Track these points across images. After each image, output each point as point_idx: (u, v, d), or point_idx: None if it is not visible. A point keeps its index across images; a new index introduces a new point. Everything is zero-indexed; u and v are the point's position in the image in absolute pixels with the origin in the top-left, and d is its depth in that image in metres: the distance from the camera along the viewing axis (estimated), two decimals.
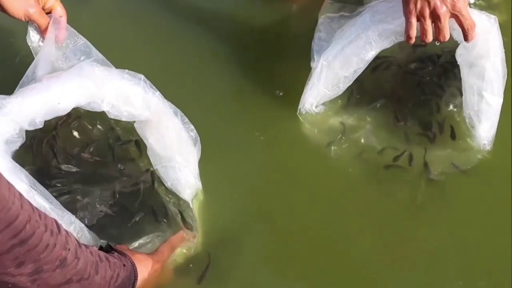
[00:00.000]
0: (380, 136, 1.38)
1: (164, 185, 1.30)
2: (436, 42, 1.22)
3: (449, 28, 1.20)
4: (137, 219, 1.28)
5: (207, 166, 1.32)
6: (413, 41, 1.21)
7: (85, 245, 1.05)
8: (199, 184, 1.31)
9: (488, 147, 1.32)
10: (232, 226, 1.30)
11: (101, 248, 1.16)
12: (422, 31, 1.20)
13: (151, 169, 1.30)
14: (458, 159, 1.33)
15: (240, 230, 1.30)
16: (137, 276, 1.13)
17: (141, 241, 1.26)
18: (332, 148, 1.38)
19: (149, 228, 1.28)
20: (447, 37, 1.20)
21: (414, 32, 1.20)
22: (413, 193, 1.31)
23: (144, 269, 1.16)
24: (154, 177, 1.31)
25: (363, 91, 1.43)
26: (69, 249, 0.99)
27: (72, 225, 1.13)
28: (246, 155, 1.38)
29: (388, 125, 1.40)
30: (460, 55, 1.28)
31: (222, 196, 1.33)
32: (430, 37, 1.20)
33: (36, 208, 0.97)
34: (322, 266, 1.25)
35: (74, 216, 1.15)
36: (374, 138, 1.38)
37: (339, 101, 1.41)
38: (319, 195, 1.33)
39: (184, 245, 1.27)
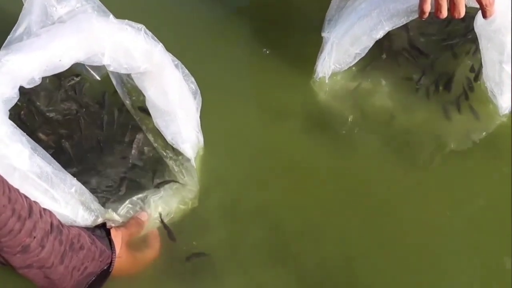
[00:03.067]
0: (396, 99, 1.36)
1: (161, 140, 1.25)
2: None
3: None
4: (133, 175, 1.24)
5: (208, 121, 1.27)
6: (426, 16, 1.16)
7: (60, 230, 1.01)
8: (200, 138, 1.26)
9: (508, 112, 1.33)
10: (232, 181, 1.27)
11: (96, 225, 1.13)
12: (437, 6, 1.14)
13: (143, 127, 1.25)
14: (477, 123, 1.33)
15: (240, 186, 1.27)
16: (111, 270, 1.10)
17: (134, 198, 1.21)
18: (346, 112, 1.35)
19: (147, 184, 1.23)
20: (462, 13, 1.15)
21: (428, 7, 1.14)
22: (427, 156, 1.31)
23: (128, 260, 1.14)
24: (151, 132, 1.26)
25: (378, 56, 1.40)
26: (34, 237, 0.96)
27: (74, 188, 1.08)
28: (250, 111, 1.34)
29: (404, 88, 1.38)
30: (478, 27, 1.24)
31: (223, 151, 1.29)
32: (444, 13, 1.14)
33: (9, 190, 0.94)
34: (326, 226, 1.23)
35: (75, 179, 1.09)
36: (390, 102, 1.36)
37: (353, 68, 1.37)
38: (327, 156, 1.31)
39: (182, 201, 1.24)
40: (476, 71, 1.37)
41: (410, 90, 1.38)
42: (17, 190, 0.98)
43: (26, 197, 0.99)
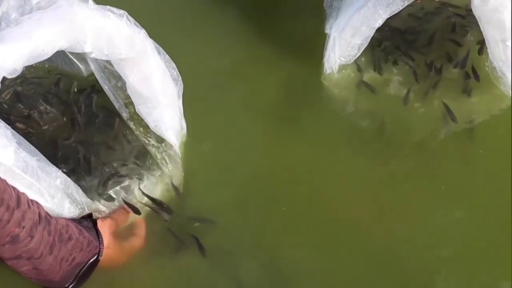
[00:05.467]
0: (407, 88, 1.35)
1: (142, 127, 1.23)
2: None
3: None
4: (115, 164, 1.22)
5: (191, 107, 1.25)
6: None
7: (48, 221, 1.00)
8: (183, 125, 1.25)
9: None
10: (216, 167, 1.27)
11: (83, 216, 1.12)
12: None
13: (124, 114, 1.22)
14: (487, 105, 1.32)
15: (224, 171, 1.27)
16: (99, 260, 1.10)
17: (117, 188, 1.20)
18: (356, 103, 1.35)
19: (129, 173, 1.21)
20: None
21: None
22: (437, 141, 1.30)
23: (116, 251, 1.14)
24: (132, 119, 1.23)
25: (386, 44, 1.40)
26: (23, 227, 0.95)
27: (58, 179, 1.05)
28: (234, 98, 1.33)
29: (414, 76, 1.37)
30: (476, 9, 1.24)
31: (206, 137, 1.29)
32: None
33: None
34: (312, 215, 1.23)
35: (60, 171, 1.06)
36: (402, 91, 1.35)
37: (363, 58, 1.37)
38: (322, 147, 1.30)
39: (166, 188, 1.23)
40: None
41: (422, 79, 1.37)
42: (5, 181, 0.96)
43: (13, 187, 0.97)
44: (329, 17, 1.31)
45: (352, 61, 1.33)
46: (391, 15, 1.24)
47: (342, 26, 1.28)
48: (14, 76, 0.98)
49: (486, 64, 1.34)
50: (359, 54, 1.31)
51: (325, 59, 1.33)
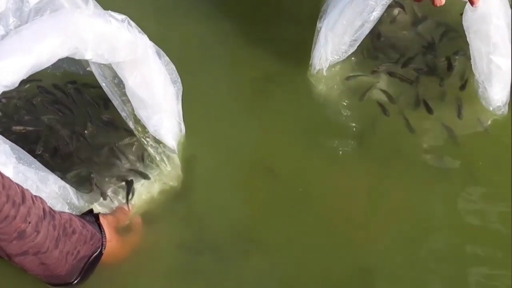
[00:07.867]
0: (395, 91, 1.33)
1: (141, 127, 1.21)
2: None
3: None
4: (112, 165, 1.22)
5: (190, 108, 1.24)
6: None
7: (53, 216, 1.01)
8: (182, 127, 1.25)
9: (503, 110, 1.28)
10: (214, 166, 1.27)
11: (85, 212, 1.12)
12: None
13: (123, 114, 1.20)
14: (471, 120, 1.30)
15: (222, 171, 1.27)
16: (103, 252, 1.10)
17: (116, 187, 1.20)
18: (344, 103, 1.33)
19: (125, 172, 1.22)
20: (443, 1, 1.11)
21: None
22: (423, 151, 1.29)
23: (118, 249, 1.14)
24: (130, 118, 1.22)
25: (378, 47, 1.37)
26: (29, 222, 0.96)
27: (56, 185, 1.06)
28: (234, 100, 1.33)
29: (402, 81, 1.35)
30: (465, 20, 1.21)
31: (205, 138, 1.29)
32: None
33: (1, 177, 0.93)
34: (309, 213, 1.24)
35: (58, 178, 1.07)
36: (387, 94, 1.33)
37: (353, 58, 1.34)
38: (321, 150, 1.29)
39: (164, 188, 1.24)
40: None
41: (408, 84, 1.35)
42: (9, 178, 0.97)
43: (17, 184, 0.98)
44: (322, 13, 1.28)
45: (344, 58, 1.30)
46: (386, 6, 1.20)
47: (333, 21, 1.24)
48: (12, 88, 0.97)
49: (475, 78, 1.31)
50: (351, 51, 1.28)
51: (315, 56, 1.30)
